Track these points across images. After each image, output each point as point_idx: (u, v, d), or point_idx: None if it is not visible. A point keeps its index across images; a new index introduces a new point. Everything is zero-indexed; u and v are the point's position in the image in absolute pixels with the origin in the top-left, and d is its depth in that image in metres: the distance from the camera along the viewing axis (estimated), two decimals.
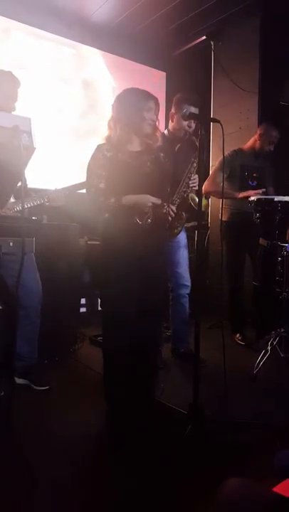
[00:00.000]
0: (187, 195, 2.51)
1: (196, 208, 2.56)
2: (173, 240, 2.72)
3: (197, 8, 3.89)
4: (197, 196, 2.11)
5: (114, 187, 1.99)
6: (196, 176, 2.44)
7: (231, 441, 1.79)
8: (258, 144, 3.30)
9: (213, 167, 3.32)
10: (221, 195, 2.86)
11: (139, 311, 1.98)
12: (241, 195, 3.08)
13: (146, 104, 2.03)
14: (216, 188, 3.14)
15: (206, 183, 3.18)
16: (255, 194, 2.99)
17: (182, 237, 2.83)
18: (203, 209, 2.59)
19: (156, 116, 2.09)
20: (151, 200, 1.98)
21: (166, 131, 2.75)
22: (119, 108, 2.04)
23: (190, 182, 2.49)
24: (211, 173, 3.32)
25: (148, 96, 2.06)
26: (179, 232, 2.67)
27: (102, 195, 1.98)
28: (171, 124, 2.74)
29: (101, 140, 2.08)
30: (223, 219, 3.09)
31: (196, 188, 2.50)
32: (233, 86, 4.12)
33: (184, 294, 2.85)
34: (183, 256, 2.84)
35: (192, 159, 2.49)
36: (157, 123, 2.10)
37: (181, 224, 2.62)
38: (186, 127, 2.64)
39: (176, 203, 2.43)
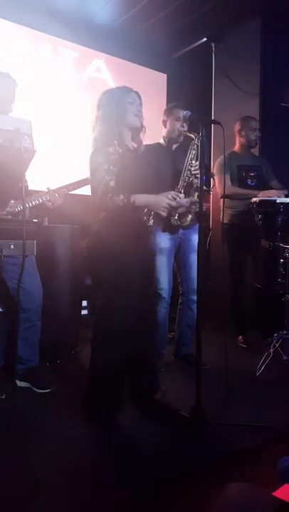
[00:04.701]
0: (192, 181, 2.56)
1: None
2: (187, 244, 2.75)
3: (198, 10, 3.89)
4: (198, 193, 2.12)
5: (127, 183, 1.86)
6: (198, 162, 2.45)
7: (232, 444, 1.78)
8: (243, 140, 3.30)
9: (214, 171, 3.30)
10: (237, 195, 3.11)
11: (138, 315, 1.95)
12: (262, 194, 3.02)
13: (127, 96, 2.01)
14: (233, 191, 3.16)
15: (218, 189, 3.20)
16: (278, 194, 2.92)
17: (196, 242, 2.79)
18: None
19: (141, 109, 2.05)
20: (166, 201, 1.88)
21: (161, 140, 2.79)
22: (102, 105, 2.01)
23: (192, 168, 2.55)
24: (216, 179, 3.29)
25: (128, 89, 2.04)
26: (191, 221, 2.65)
27: (111, 193, 1.83)
28: (165, 130, 2.79)
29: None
30: (224, 221, 3.12)
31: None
32: (234, 88, 4.12)
33: (194, 300, 2.78)
34: (194, 260, 2.79)
35: (190, 147, 2.58)
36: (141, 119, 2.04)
37: (191, 211, 2.58)
38: (180, 127, 2.70)
39: (182, 189, 2.51)
